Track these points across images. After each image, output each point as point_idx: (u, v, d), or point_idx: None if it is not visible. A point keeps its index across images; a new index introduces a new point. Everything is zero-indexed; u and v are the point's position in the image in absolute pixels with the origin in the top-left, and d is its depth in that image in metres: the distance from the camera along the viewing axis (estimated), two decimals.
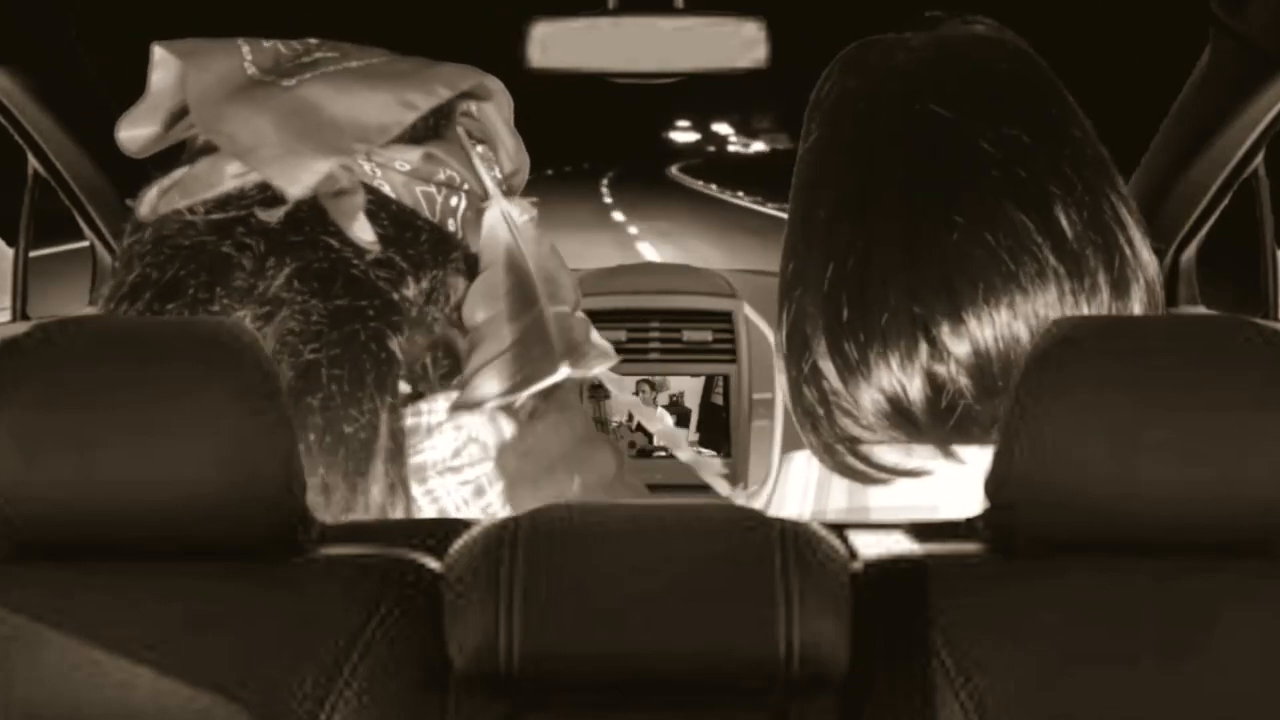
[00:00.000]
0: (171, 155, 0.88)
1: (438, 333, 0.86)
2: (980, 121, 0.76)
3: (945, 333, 0.73)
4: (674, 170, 42.17)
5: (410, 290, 0.82)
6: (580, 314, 0.90)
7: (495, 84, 0.89)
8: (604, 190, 27.46)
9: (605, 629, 0.59)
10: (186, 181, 0.82)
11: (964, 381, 0.73)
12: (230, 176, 0.81)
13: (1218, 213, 1.67)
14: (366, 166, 0.83)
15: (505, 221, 0.87)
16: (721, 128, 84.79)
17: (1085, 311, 0.74)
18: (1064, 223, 0.74)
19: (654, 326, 1.95)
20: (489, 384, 0.83)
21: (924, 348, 0.73)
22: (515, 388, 0.83)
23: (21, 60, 1.56)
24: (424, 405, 0.85)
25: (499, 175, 0.90)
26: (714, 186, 28.85)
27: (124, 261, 0.82)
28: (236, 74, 0.83)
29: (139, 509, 0.59)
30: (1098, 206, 0.76)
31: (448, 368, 0.86)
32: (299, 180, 0.79)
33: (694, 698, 0.60)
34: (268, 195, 0.80)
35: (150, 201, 0.83)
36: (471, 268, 0.87)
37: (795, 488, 0.84)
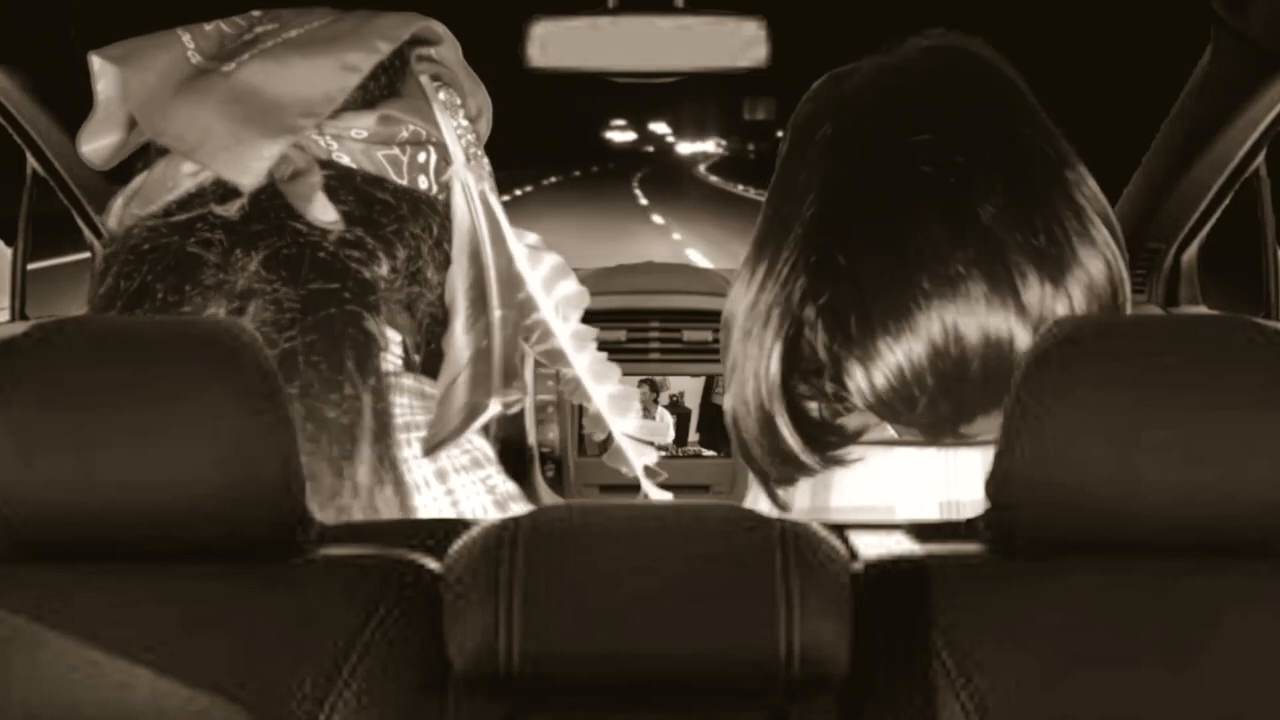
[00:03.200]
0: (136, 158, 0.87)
1: (422, 310, 0.84)
2: (918, 148, 0.76)
3: (885, 345, 0.74)
4: (701, 169, 43.27)
5: (383, 268, 0.81)
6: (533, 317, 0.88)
7: (440, 27, 0.87)
8: (635, 187, 29.93)
9: (605, 629, 0.59)
10: (147, 187, 0.81)
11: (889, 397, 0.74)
12: (186, 175, 0.80)
13: (1219, 212, 1.66)
14: (321, 141, 0.81)
15: (465, 195, 0.85)
16: (659, 127, 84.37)
17: (1013, 313, 0.73)
18: (993, 230, 0.74)
19: (654, 326, 1.95)
20: (446, 421, 0.81)
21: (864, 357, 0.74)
22: (460, 426, 0.81)
23: (21, 60, 1.56)
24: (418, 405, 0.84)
25: (464, 122, 0.87)
26: (739, 186, 29.59)
27: (100, 276, 0.81)
28: (180, 66, 0.81)
29: (138, 509, 0.59)
30: (1038, 214, 0.75)
31: (434, 348, 0.85)
32: (249, 169, 0.77)
33: (694, 698, 0.60)
34: (225, 189, 0.79)
35: (117, 213, 0.82)
36: (449, 231, 0.85)
37: (762, 491, 0.85)
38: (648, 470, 0.94)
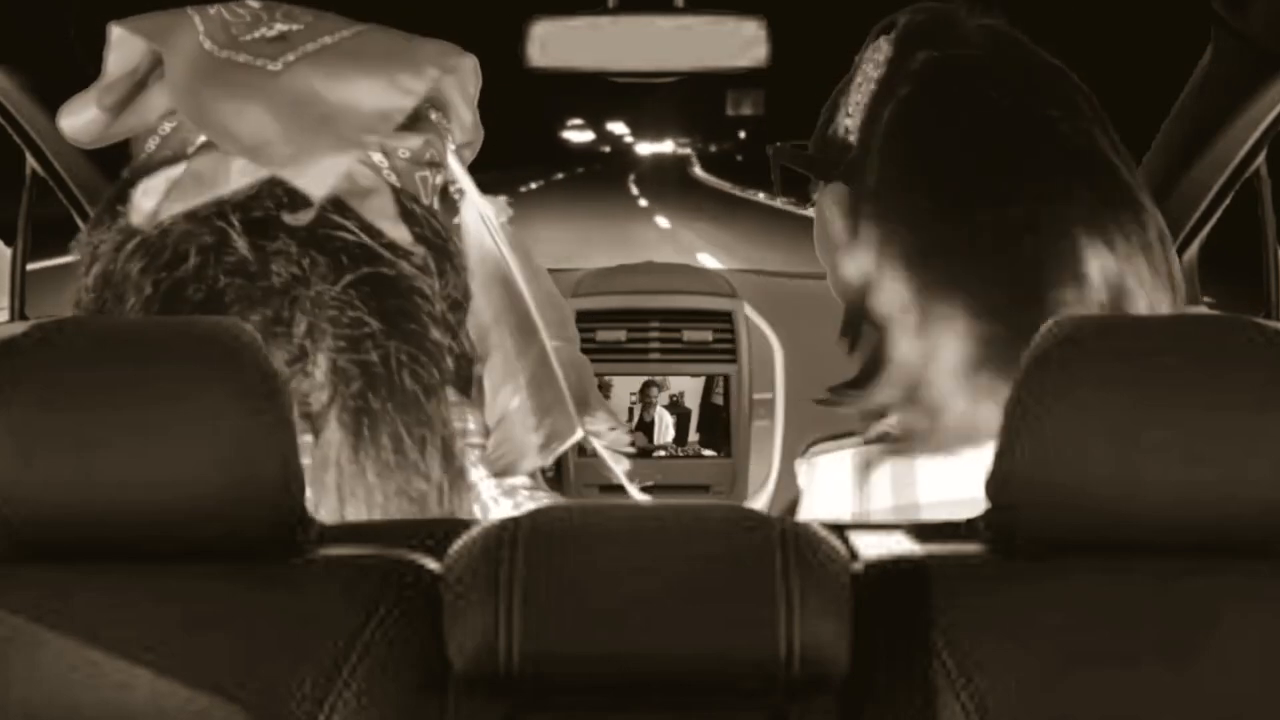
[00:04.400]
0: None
1: (460, 338, 0.85)
2: (1067, 120, 0.79)
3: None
4: (697, 170, 43.56)
5: (436, 284, 0.82)
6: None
7: (469, 60, 0.87)
8: (631, 184, 31.70)
9: (605, 629, 0.59)
10: (187, 181, 0.79)
11: None
12: (236, 174, 0.79)
13: (1219, 212, 1.66)
14: (375, 157, 0.82)
15: (485, 224, 0.85)
16: (617, 127, 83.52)
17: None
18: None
19: (654, 326, 1.95)
20: (516, 446, 0.82)
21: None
22: (543, 450, 0.82)
23: (20, 60, 1.56)
24: (465, 414, 0.85)
25: (452, 147, 0.88)
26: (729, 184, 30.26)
27: (119, 274, 0.78)
28: (196, 51, 0.80)
29: (138, 509, 0.59)
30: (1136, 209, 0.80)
31: (467, 370, 0.86)
32: (321, 181, 0.77)
33: (694, 698, 0.60)
34: (290, 195, 0.78)
35: (144, 208, 0.79)
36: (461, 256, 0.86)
37: (828, 491, 0.83)
38: (628, 474, 0.94)
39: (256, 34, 0.82)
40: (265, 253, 0.77)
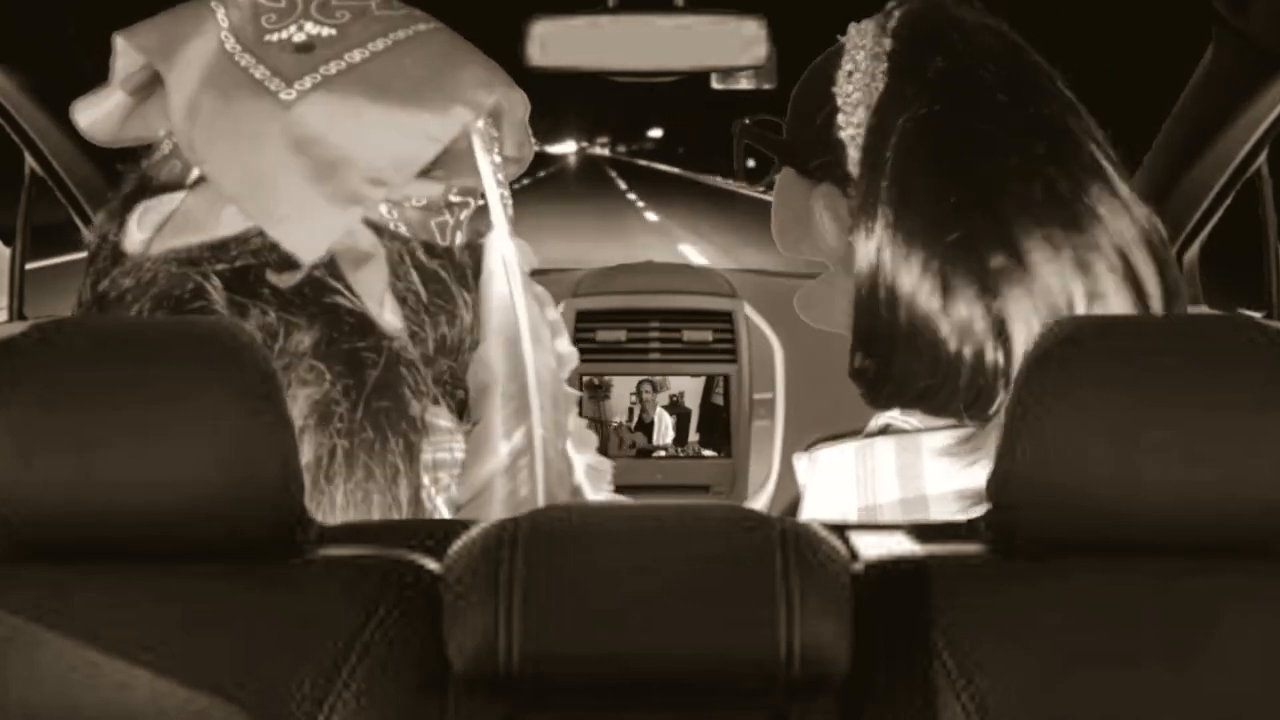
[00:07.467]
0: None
1: (457, 381, 0.82)
2: (1075, 123, 0.82)
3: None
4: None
5: (430, 347, 0.79)
6: (574, 433, 0.85)
7: (517, 94, 0.82)
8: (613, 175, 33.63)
9: (605, 630, 0.59)
10: (180, 218, 0.76)
11: None
12: (228, 219, 0.75)
13: (1221, 212, 1.66)
14: (382, 209, 0.78)
15: (505, 270, 0.81)
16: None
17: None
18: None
19: (654, 326, 1.95)
20: (488, 515, 0.78)
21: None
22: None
23: (20, 60, 1.56)
24: (452, 443, 0.82)
25: (498, 159, 0.82)
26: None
27: (113, 294, 0.76)
28: (212, 54, 0.76)
29: (137, 509, 0.59)
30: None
31: (464, 397, 0.82)
32: (312, 244, 0.73)
33: (694, 699, 0.60)
34: (278, 253, 0.75)
35: (136, 237, 0.77)
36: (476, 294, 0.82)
37: (831, 484, 0.82)
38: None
39: (285, 33, 0.77)
40: (244, 309, 0.74)
